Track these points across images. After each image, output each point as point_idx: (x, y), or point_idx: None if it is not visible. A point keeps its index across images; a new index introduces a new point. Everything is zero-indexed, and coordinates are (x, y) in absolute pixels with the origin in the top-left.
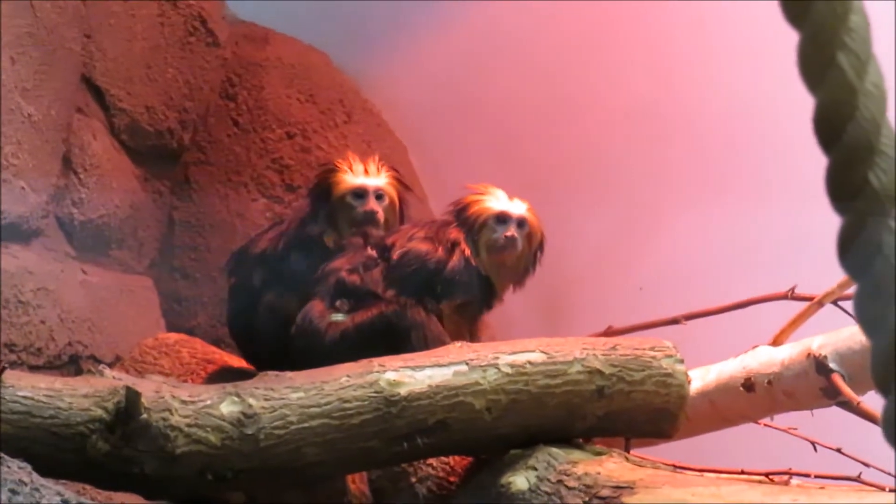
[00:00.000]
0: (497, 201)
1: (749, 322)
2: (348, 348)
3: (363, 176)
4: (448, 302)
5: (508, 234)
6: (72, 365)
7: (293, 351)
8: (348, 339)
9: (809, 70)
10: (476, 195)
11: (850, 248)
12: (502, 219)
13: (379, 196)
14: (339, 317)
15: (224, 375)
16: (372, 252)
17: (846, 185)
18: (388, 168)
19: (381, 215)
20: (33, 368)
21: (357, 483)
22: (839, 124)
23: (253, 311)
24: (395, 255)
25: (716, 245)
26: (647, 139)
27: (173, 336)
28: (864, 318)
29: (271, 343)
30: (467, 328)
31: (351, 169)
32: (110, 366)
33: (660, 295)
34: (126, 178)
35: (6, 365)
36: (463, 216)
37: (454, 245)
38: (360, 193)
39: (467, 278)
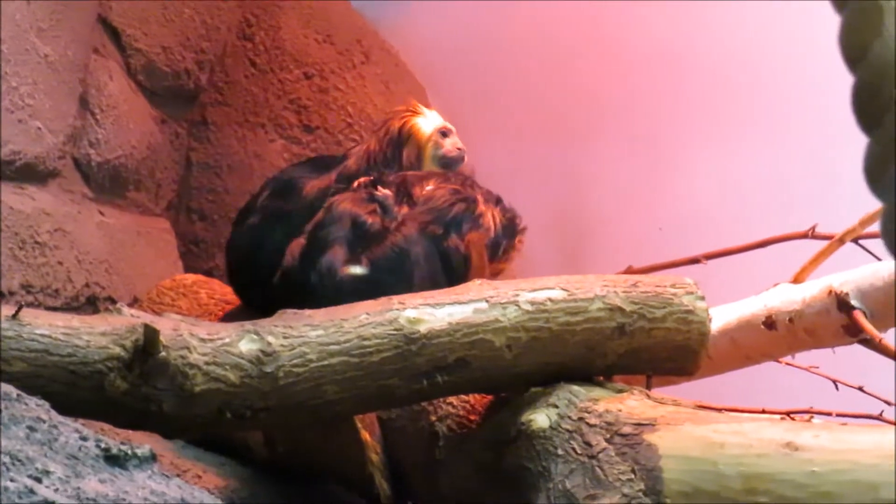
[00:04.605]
0: (426, 117)
1: (770, 261)
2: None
3: (437, 116)
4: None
5: (460, 146)
6: (89, 306)
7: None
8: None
9: None
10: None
11: (878, 170)
12: (445, 132)
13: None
14: (357, 270)
15: (242, 315)
16: (388, 192)
17: (873, 104)
18: None
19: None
20: (50, 310)
21: (372, 434)
22: (865, 41)
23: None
24: (424, 193)
25: (736, 184)
26: (667, 78)
27: (191, 277)
28: (893, 241)
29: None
30: (489, 266)
31: (419, 111)
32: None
33: (680, 235)
34: (143, 120)
35: (23, 304)
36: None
37: (476, 187)
38: (446, 132)
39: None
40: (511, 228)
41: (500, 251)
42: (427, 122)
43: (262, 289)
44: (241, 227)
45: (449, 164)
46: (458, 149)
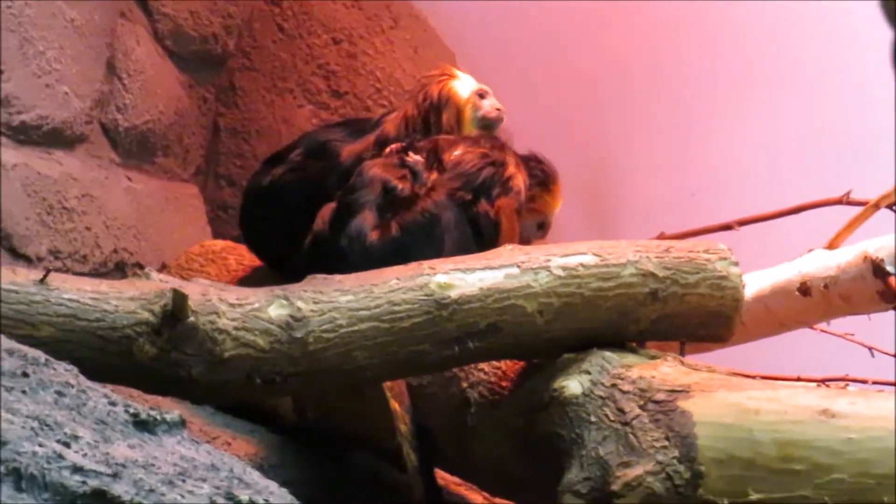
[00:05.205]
0: (462, 80)
1: (804, 227)
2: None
3: (471, 79)
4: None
5: (499, 107)
6: (117, 272)
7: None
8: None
9: None
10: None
11: None
12: (482, 94)
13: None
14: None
15: (270, 281)
16: (418, 157)
17: None
18: None
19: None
20: (78, 276)
21: (401, 404)
22: None
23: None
24: (453, 158)
25: (770, 149)
26: (698, 41)
27: (219, 243)
28: None
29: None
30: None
31: (454, 74)
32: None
33: (713, 200)
34: (170, 85)
35: (51, 269)
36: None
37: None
38: (484, 94)
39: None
40: (545, 178)
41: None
42: (464, 85)
43: (275, 239)
44: (265, 174)
45: (489, 126)
46: (497, 109)
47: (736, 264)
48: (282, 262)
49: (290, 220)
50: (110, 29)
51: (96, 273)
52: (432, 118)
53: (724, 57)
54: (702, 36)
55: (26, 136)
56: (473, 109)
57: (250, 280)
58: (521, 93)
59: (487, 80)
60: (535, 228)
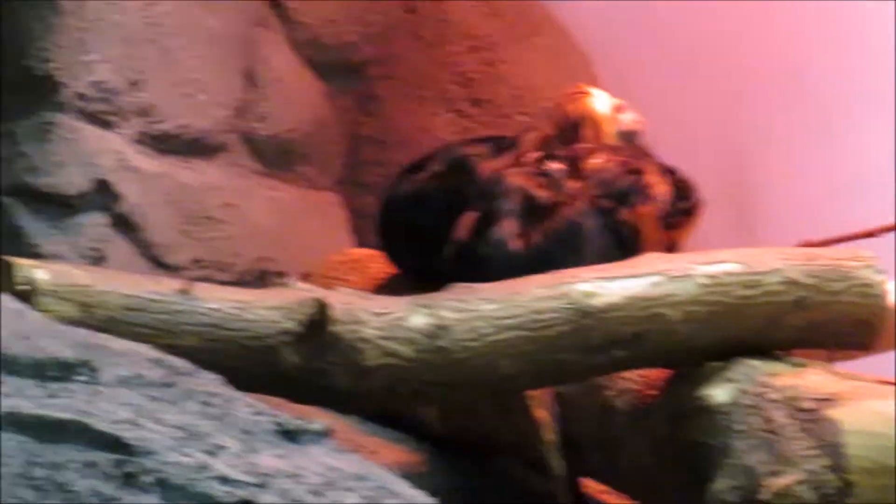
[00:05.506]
0: (598, 97)
1: None
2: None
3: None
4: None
5: (638, 119)
6: (259, 281)
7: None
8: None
9: None
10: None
11: None
12: (620, 109)
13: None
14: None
15: (411, 289)
16: (559, 166)
17: None
18: None
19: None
20: (221, 284)
21: (546, 412)
22: None
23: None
24: (594, 166)
25: None
26: (838, 43)
27: (361, 251)
28: None
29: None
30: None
31: (588, 92)
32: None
33: (854, 206)
34: (310, 93)
35: (194, 279)
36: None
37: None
38: (621, 109)
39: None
40: (685, 199)
41: (674, 222)
42: (600, 101)
43: (412, 246)
44: (404, 182)
45: (630, 138)
46: (637, 122)
47: (882, 272)
48: (418, 270)
49: (428, 228)
50: (249, 38)
51: (238, 282)
52: (572, 137)
53: (865, 58)
54: (841, 38)
55: (167, 145)
56: (613, 124)
57: (391, 288)
58: (659, 97)
59: (625, 86)
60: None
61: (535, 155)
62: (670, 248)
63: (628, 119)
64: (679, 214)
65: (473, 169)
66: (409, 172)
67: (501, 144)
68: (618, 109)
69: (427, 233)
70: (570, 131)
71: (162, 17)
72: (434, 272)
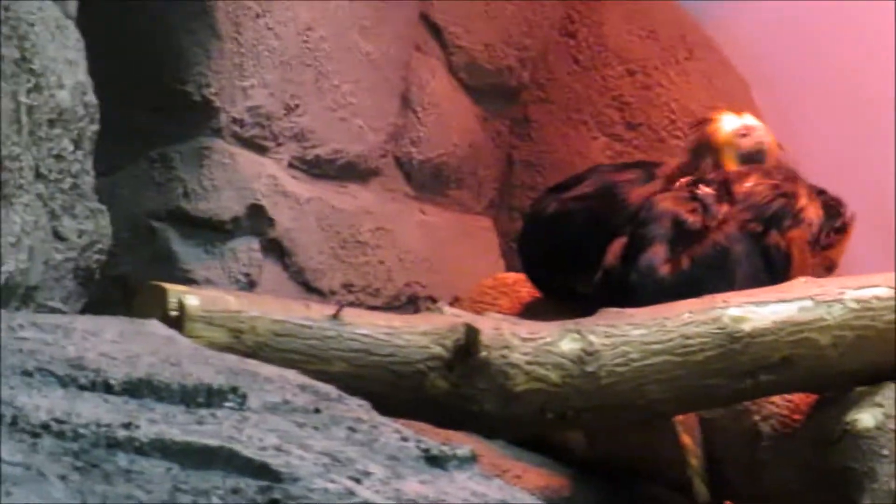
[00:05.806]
0: (723, 122)
1: None
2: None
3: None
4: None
5: (759, 140)
6: (410, 305)
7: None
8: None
9: None
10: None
11: None
12: (744, 133)
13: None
14: None
15: (559, 314)
16: (709, 190)
17: None
18: None
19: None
20: (371, 309)
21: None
22: None
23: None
24: (744, 189)
25: None
26: None
27: (512, 275)
28: None
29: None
30: (814, 263)
31: (714, 118)
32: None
33: None
34: (465, 117)
35: (344, 304)
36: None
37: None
38: (746, 132)
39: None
40: (836, 218)
41: (828, 242)
42: (724, 126)
43: (554, 267)
44: (550, 202)
45: (753, 161)
46: (758, 142)
47: None
48: (559, 291)
49: (571, 249)
50: (405, 62)
51: (389, 306)
52: (698, 165)
53: None
54: None
55: (320, 169)
56: (733, 149)
57: (541, 312)
58: (816, 122)
59: (782, 109)
60: (823, 270)
61: (686, 179)
62: (829, 268)
63: (747, 142)
64: (832, 233)
65: (623, 194)
66: (553, 192)
67: (652, 171)
68: (740, 134)
69: (568, 253)
70: (697, 159)
71: (319, 41)
72: (571, 292)
